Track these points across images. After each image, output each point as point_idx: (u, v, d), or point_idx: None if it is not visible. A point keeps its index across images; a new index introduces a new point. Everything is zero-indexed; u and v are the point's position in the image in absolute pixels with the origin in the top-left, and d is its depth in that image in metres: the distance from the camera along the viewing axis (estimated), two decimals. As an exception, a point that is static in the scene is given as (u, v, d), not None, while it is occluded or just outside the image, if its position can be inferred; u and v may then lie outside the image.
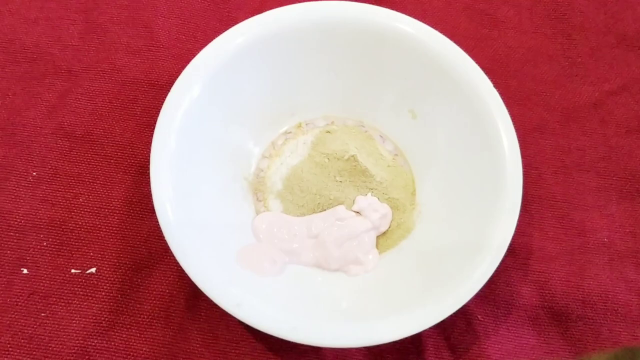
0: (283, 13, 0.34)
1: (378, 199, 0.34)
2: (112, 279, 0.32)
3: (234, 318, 0.28)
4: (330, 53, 0.35)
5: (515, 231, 0.30)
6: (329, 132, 0.36)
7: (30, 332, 0.31)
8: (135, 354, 0.31)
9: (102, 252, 0.33)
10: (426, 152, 0.36)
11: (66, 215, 0.34)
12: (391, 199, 0.34)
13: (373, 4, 0.35)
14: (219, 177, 0.33)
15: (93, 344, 0.31)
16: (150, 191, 0.29)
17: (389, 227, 0.34)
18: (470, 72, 0.33)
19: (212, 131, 0.33)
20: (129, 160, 0.35)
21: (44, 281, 0.32)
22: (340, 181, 0.34)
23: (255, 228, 0.33)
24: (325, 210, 0.34)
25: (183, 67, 0.32)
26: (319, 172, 0.35)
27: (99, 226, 0.34)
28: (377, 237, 0.34)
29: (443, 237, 0.33)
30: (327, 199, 0.34)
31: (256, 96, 0.35)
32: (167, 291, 0.32)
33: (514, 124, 0.32)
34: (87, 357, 0.31)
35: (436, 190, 0.35)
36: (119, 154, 0.36)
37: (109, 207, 0.34)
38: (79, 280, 0.32)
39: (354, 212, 0.34)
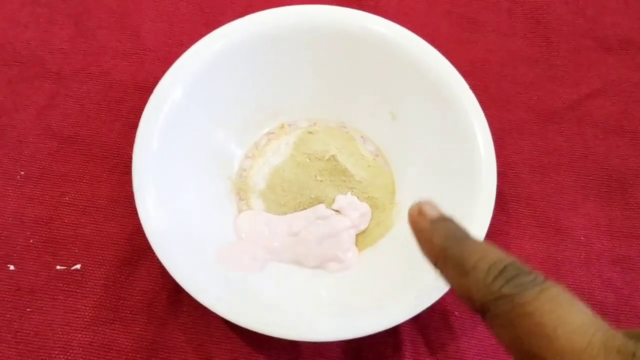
0: (265, 16, 0.35)
1: (358, 198, 0.35)
2: (97, 275, 0.33)
3: (215, 314, 0.28)
4: (312, 56, 0.36)
5: (493, 230, 0.31)
6: (311, 132, 0.37)
7: (15, 326, 0.32)
8: (118, 349, 0.32)
9: (87, 249, 0.34)
10: (405, 153, 0.36)
11: (52, 213, 0.35)
12: (371, 198, 0.35)
13: (355, 8, 0.35)
14: (201, 176, 0.34)
15: (77, 338, 0.32)
16: (134, 190, 0.30)
17: (369, 226, 0.35)
18: (447, 75, 0.34)
19: (194, 132, 0.34)
20: (114, 160, 0.36)
21: (29, 277, 0.33)
22: (321, 180, 0.35)
23: (238, 226, 0.34)
24: (306, 209, 0.35)
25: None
26: (301, 172, 0.35)
27: (84, 224, 0.34)
28: (357, 235, 0.35)
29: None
30: (308, 198, 0.35)
31: (239, 98, 0.36)
32: (150, 287, 0.33)
33: (492, 125, 0.33)
34: (70, 351, 0.31)
35: (415, 189, 0.35)
36: (105, 154, 0.37)
37: (94, 206, 0.35)
38: (64, 276, 0.33)
39: (334, 210, 0.34)
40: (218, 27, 0.34)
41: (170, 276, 0.29)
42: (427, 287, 0.30)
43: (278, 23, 0.35)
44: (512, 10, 0.43)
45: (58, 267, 0.33)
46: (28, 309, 0.32)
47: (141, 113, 0.32)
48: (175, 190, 0.32)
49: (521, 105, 0.40)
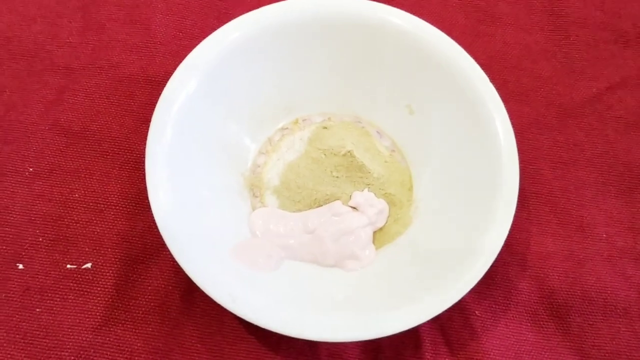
0: (279, 9, 0.34)
1: (375, 194, 0.34)
2: (108, 274, 0.32)
3: (230, 312, 0.28)
4: (327, 49, 0.35)
5: (513, 227, 0.30)
6: (325, 127, 0.36)
7: (25, 327, 0.31)
8: (130, 349, 0.31)
9: (97, 248, 0.33)
10: (423, 148, 0.35)
11: (62, 210, 0.34)
12: (388, 195, 0.34)
13: (372, -1, 0.35)
14: (215, 173, 0.33)
15: (88, 339, 0.31)
16: (146, 186, 0.29)
17: (386, 223, 0.34)
18: (466, 68, 0.33)
19: (207, 127, 0.33)
20: (125, 156, 0.36)
21: (39, 276, 0.32)
22: (337, 177, 0.34)
23: (252, 223, 0.33)
24: (321, 205, 0.34)
25: (179, 64, 0.32)
26: (316, 168, 0.34)
27: (95, 221, 0.34)
28: (374, 232, 0.34)
29: (440, 233, 0.33)
30: (324, 195, 0.34)
31: (252, 92, 0.35)
32: (162, 286, 0.32)
33: (511, 119, 0.32)
34: (82, 352, 0.31)
35: (433, 186, 0.35)
36: (115, 149, 0.36)
37: (105, 203, 0.34)
38: (75, 275, 0.32)
39: (351, 207, 0.34)
40: (229, 20, 0.33)
41: (183, 275, 0.28)
42: (448, 286, 0.29)
43: (292, 15, 0.34)
44: (529, 2, 0.42)
45: (68, 266, 0.32)
46: (38, 309, 0.31)
47: (151, 107, 0.31)
48: (188, 186, 0.31)
49: (540, 100, 0.39)
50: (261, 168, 0.35)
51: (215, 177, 0.33)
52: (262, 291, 0.30)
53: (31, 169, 0.35)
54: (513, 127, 0.32)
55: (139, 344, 0.31)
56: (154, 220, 0.28)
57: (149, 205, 0.29)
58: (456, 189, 0.33)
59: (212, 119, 0.33)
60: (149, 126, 0.30)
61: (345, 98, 0.37)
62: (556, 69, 0.40)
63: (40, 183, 0.34)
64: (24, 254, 0.33)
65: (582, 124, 0.39)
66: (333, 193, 0.34)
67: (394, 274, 0.32)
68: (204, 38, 0.33)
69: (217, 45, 0.33)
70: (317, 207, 0.34)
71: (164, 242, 0.28)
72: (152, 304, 0.32)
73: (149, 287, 0.32)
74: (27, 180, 0.34)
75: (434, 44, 0.34)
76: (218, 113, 0.33)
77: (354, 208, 0.34)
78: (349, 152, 0.34)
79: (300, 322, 0.28)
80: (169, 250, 0.28)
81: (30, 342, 0.31)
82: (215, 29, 0.33)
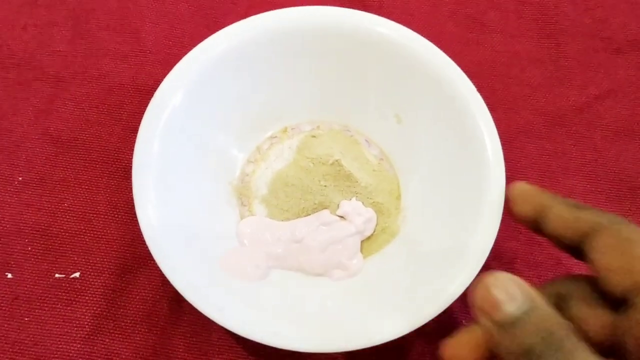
0: (267, 18, 0.34)
1: (362, 203, 0.34)
2: (96, 283, 0.33)
3: (217, 323, 0.28)
4: (315, 58, 0.35)
5: (500, 235, 0.30)
6: (314, 136, 0.36)
7: (13, 336, 0.31)
8: (118, 358, 0.31)
9: (86, 257, 0.33)
10: (411, 157, 0.36)
11: (51, 220, 0.34)
12: (376, 203, 0.34)
13: (359, 8, 0.35)
14: (202, 182, 0.33)
15: (76, 348, 0.31)
16: (133, 196, 0.29)
17: (374, 232, 0.34)
18: (454, 78, 0.33)
19: (195, 136, 0.33)
20: (114, 165, 0.36)
21: (28, 286, 0.32)
22: (325, 185, 0.34)
23: (240, 232, 0.33)
24: (309, 214, 0.34)
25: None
26: (304, 177, 0.35)
27: (84, 231, 0.34)
28: (362, 241, 0.34)
29: (427, 242, 0.33)
30: (312, 204, 0.34)
31: (241, 101, 0.35)
32: (150, 296, 0.32)
33: (500, 128, 0.32)
34: (70, 361, 0.31)
35: (421, 194, 0.35)
36: (104, 158, 0.36)
37: (93, 212, 0.34)
38: (63, 284, 0.32)
39: (339, 216, 0.34)
40: (219, 28, 0.33)
41: (171, 285, 0.28)
42: (434, 295, 0.29)
43: (280, 25, 0.34)
44: (519, 10, 0.42)
45: (57, 275, 0.33)
46: (26, 319, 0.32)
47: (141, 116, 0.31)
48: (176, 195, 0.31)
49: (529, 108, 0.39)
50: (249, 177, 0.35)
51: (203, 185, 0.33)
52: (249, 302, 0.30)
53: (20, 178, 0.35)
54: (501, 135, 0.32)
55: (127, 353, 0.31)
56: (142, 229, 0.29)
57: (138, 215, 0.29)
58: (443, 197, 0.33)
59: (200, 128, 0.33)
60: (138, 135, 0.30)
61: (334, 107, 0.37)
62: (545, 77, 0.40)
63: (30, 192, 0.35)
64: (12, 263, 0.33)
65: (570, 132, 0.39)
66: (321, 202, 0.34)
67: (381, 282, 0.32)
68: (193, 47, 0.33)
69: (206, 54, 0.33)
70: (305, 216, 0.34)
71: (151, 251, 0.28)
72: (140, 313, 0.32)
73: (137, 297, 0.32)
74: (16, 190, 0.35)
75: (422, 54, 0.34)
76: (206, 122, 0.34)
77: (342, 217, 0.34)
78: (336, 161, 0.34)
79: (287, 333, 0.28)
80: (156, 260, 0.28)
81: (19, 351, 0.31)
82: (205, 38, 0.33)
